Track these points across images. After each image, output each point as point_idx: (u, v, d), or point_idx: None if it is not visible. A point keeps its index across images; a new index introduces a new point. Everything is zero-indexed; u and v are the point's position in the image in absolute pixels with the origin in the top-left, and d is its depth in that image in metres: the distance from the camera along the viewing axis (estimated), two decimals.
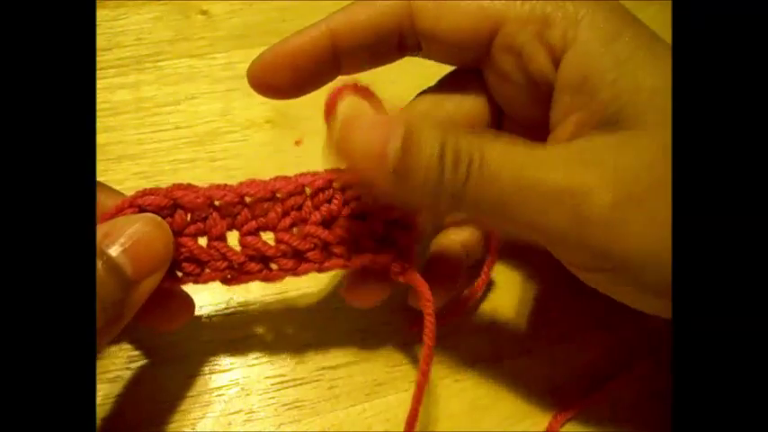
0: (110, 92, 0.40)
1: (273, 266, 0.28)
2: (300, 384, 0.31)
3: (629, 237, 0.24)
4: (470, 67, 0.30)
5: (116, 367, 0.31)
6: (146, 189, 0.26)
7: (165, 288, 0.26)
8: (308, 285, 0.34)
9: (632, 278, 0.25)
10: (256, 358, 0.32)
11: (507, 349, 0.33)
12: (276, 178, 0.27)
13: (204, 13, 0.45)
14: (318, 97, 0.42)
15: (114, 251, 0.24)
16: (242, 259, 0.27)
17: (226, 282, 0.28)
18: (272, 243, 0.27)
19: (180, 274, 0.27)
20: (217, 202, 0.27)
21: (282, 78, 0.29)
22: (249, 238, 0.27)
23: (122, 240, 0.24)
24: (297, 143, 0.40)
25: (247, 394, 0.31)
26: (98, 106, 0.39)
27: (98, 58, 0.41)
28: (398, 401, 0.31)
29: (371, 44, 0.29)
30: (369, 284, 0.30)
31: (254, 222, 0.27)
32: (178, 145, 0.39)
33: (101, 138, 0.38)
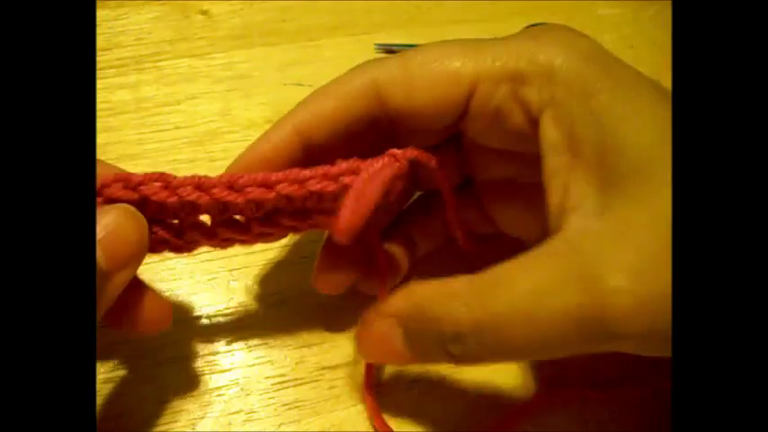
0: (110, 92, 0.40)
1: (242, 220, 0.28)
2: (300, 384, 0.31)
3: (656, 336, 0.22)
4: (442, 138, 0.29)
5: (116, 367, 0.31)
6: (117, 174, 0.25)
7: (141, 290, 0.26)
8: (308, 285, 0.34)
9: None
10: (256, 358, 0.32)
11: None
12: (254, 179, 0.26)
13: (204, 13, 0.45)
14: None
15: None
16: (215, 242, 0.28)
17: (196, 246, 0.28)
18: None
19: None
20: (192, 199, 0.26)
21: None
22: (222, 229, 0.27)
23: (96, 231, 0.23)
24: None
25: (247, 394, 0.31)
26: (98, 106, 0.39)
27: (98, 58, 0.41)
28: (398, 401, 0.31)
29: (341, 134, 0.28)
30: (336, 271, 0.31)
31: (228, 214, 0.27)
32: (178, 145, 0.39)
33: (101, 138, 0.38)
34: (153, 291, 0.27)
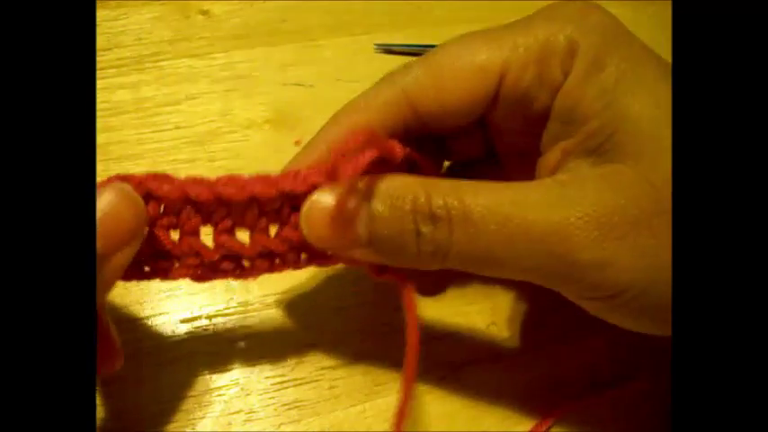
0: (110, 92, 0.40)
1: (247, 265, 0.27)
2: (300, 384, 0.31)
3: (616, 272, 0.24)
4: (471, 125, 0.29)
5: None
6: (118, 175, 0.25)
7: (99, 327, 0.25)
8: (309, 285, 0.34)
9: (625, 308, 0.25)
10: (256, 358, 0.32)
11: (507, 349, 0.33)
12: (256, 178, 0.26)
13: (204, 13, 0.45)
14: (318, 97, 0.42)
15: None
16: (215, 257, 0.26)
17: (196, 278, 0.27)
18: (246, 242, 0.27)
19: (148, 269, 0.26)
20: (192, 196, 0.25)
21: None
22: (224, 237, 0.26)
23: (96, 232, 0.23)
24: (297, 143, 0.40)
25: (247, 394, 0.31)
26: (98, 106, 0.39)
27: (98, 58, 0.41)
28: (398, 401, 0.31)
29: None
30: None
31: (229, 221, 0.26)
32: (178, 145, 0.39)
33: (101, 138, 0.38)
34: (105, 332, 0.26)
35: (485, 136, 0.31)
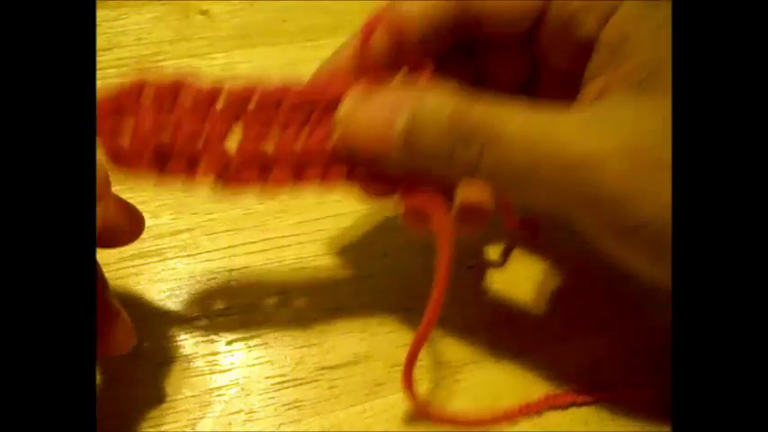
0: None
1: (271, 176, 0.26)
2: (300, 384, 0.31)
3: (643, 204, 0.23)
4: (517, 34, 0.29)
5: (116, 367, 0.31)
6: (142, 77, 0.25)
7: (108, 312, 0.25)
8: (308, 285, 0.34)
9: (644, 246, 0.24)
10: (256, 358, 0.32)
11: (507, 349, 0.33)
12: (285, 86, 0.26)
13: (204, 13, 0.45)
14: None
15: None
16: (239, 161, 0.26)
17: (220, 183, 0.26)
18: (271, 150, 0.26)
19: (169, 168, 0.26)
20: (224, 91, 0.25)
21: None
22: (248, 144, 0.26)
23: (96, 232, 0.23)
24: None
25: (247, 394, 0.31)
26: None
27: (98, 58, 0.41)
28: (398, 401, 0.31)
29: (429, 35, 0.28)
30: None
31: (255, 127, 0.26)
32: None
33: None
34: (122, 312, 0.27)
35: (529, 58, 0.31)
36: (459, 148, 0.24)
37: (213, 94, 0.25)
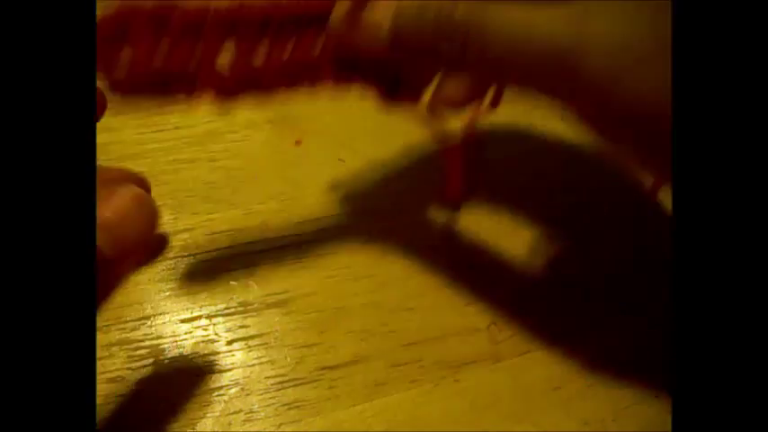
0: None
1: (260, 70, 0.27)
2: (300, 384, 0.31)
3: (624, 96, 0.23)
4: None
5: (116, 367, 0.31)
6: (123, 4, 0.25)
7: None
8: (308, 285, 0.34)
9: (632, 134, 0.25)
10: (256, 358, 0.32)
11: (507, 349, 0.33)
12: (271, 3, 0.27)
13: None
14: (319, 97, 0.42)
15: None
16: (233, 77, 0.27)
17: (218, 100, 0.27)
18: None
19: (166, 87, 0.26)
20: (211, 13, 0.26)
21: None
22: (240, 59, 0.27)
23: (103, 215, 0.23)
24: (297, 143, 0.40)
25: (247, 394, 0.31)
26: None
27: None
28: (398, 401, 0.31)
29: None
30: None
31: (246, 43, 0.27)
32: (178, 145, 0.39)
33: (101, 138, 0.37)
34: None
35: None
36: (444, 45, 0.25)
37: (201, 15, 0.26)
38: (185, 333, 0.32)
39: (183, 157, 0.38)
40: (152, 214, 0.24)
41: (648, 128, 0.24)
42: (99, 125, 0.38)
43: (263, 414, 0.30)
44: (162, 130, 0.39)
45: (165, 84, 0.26)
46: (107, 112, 0.39)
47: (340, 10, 0.27)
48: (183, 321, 0.32)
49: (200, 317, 0.33)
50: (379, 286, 0.35)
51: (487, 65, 0.26)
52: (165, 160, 0.38)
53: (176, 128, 0.39)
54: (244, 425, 0.30)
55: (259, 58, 0.27)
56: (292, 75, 0.28)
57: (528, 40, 0.24)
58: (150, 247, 0.27)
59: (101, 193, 0.23)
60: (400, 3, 0.26)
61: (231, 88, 0.27)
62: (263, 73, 0.27)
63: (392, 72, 0.29)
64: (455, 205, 0.30)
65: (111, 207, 0.23)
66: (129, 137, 0.38)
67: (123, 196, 0.24)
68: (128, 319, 0.32)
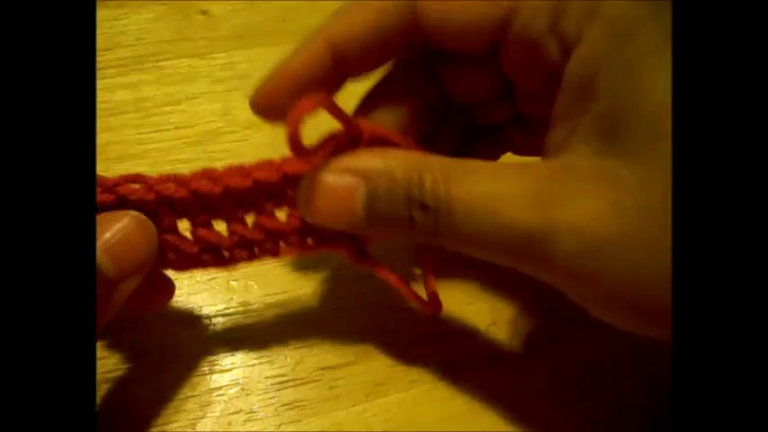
0: (110, 92, 0.40)
1: (226, 255, 0.27)
2: (300, 384, 0.31)
3: (595, 283, 0.23)
4: (480, 53, 0.28)
5: (116, 367, 0.31)
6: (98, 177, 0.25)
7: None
8: (308, 286, 0.34)
9: (613, 312, 0.24)
10: (256, 358, 0.32)
11: (507, 350, 0.33)
12: (230, 171, 0.27)
13: (204, 13, 0.45)
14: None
15: (96, 250, 0.23)
16: (194, 250, 0.27)
17: (177, 269, 0.27)
18: (224, 233, 0.27)
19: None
20: (167, 195, 0.26)
21: (287, 103, 0.25)
22: (201, 231, 0.27)
23: (105, 237, 0.23)
24: None
25: (247, 394, 0.31)
26: (98, 106, 0.39)
27: (98, 58, 0.41)
28: (398, 401, 0.31)
29: (374, 48, 0.28)
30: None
31: (205, 214, 0.27)
32: (178, 145, 0.39)
33: (101, 138, 0.38)
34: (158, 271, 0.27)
35: (500, 75, 0.29)
36: (417, 214, 0.24)
37: (159, 198, 0.26)
38: (185, 333, 0.32)
39: (183, 157, 0.38)
40: (152, 237, 0.25)
41: (632, 309, 0.23)
42: (99, 125, 0.38)
43: (262, 414, 0.30)
44: (162, 130, 0.39)
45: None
46: (107, 112, 0.39)
47: (305, 188, 0.26)
48: (182, 321, 0.32)
49: (200, 317, 0.33)
50: (379, 286, 0.35)
51: (458, 241, 0.24)
52: (165, 160, 0.38)
53: (176, 128, 0.39)
54: (244, 425, 0.30)
55: (220, 229, 0.27)
56: (255, 243, 0.27)
57: (493, 224, 0.23)
58: (156, 289, 0.28)
59: (102, 215, 0.24)
60: (369, 181, 0.25)
61: (192, 257, 0.27)
62: (224, 243, 0.27)
63: (360, 241, 0.28)
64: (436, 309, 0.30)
65: (111, 229, 0.24)
66: (129, 137, 0.38)
67: (123, 218, 0.24)
68: (127, 319, 0.32)
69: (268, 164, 0.27)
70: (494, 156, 0.33)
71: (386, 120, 0.29)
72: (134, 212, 0.25)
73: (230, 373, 0.31)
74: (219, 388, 0.31)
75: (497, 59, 0.28)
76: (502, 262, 0.25)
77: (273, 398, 0.31)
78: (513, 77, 0.28)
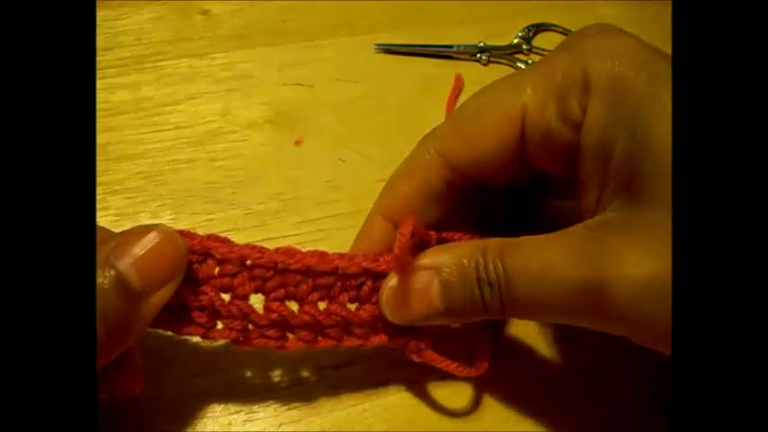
0: (110, 92, 0.40)
1: (291, 336, 0.28)
2: (300, 384, 0.31)
3: (652, 325, 0.23)
4: (511, 166, 0.30)
5: None
6: (182, 231, 0.26)
7: (123, 354, 0.26)
8: None
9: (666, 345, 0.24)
10: (256, 358, 0.32)
11: (507, 350, 0.33)
12: (313, 253, 0.28)
13: (204, 13, 0.45)
14: (318, 97, 0.42)
15: (122, 263, 0.23)
16: (264, 322, 0.27)
17: (236, 343, 0.28)
18: (296, 312, 0.28)
19: (188, 322, 0.27)
20: (249, 262, 0.27)
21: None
22: (275, 304, 0.27)
23: (133, 251, 0.24)
24: (297, 143, 0.40)
25: (247, 394, 0.31)
26: (98, 106, 0.39)
27: (98, 58, 0.41)
28: (398, 401, 0.31)
29: (423, 206, 0.30)
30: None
31: (282, 290, 0.27)
32: (178, 145, 0.39)
33: (101, 138, 0.38)
34: (132, 357, 0.27)
35: (532, 171, 0.31)
36: (487, 293, 0.26)
37: (241, 259, 0.27)
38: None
39: (183, 157, 0.38)
40: (180, 249, 0.25)
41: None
42: (99, 125, 0.38)
43: (262, 414, 0.30)
44: (162, 130, 0.39)
45: (185, 313, 0.27)
46: (107, 112, 0.39)
47: (387, 290, 0.28)
48: None
49: None
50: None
51: (521, 309, 0.26)
52: (165, 160, 0.38)
53: (176, 128, 0.39)
54: (244, 425, 0.30)
55: (292, 308, 0.28)
56: (324, 328, 0.28)
57: (550, 286, 0.25)
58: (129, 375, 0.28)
59: (130, 231, 0.24)
60: (441, 272, 0.27)
61: (255, 331, 0.28)
62: (295, 319, 0.28)
63: (423, 337, 0.30)
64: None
65: (140, 244, 0.24)
66: (129, 137, 0.38)
67: (153, 234, 0.24)
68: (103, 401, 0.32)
69: (350, 257, 0.28)
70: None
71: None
72: (162, 226, 0.25)
73: (230, 373, 0.31)
74: (219, 388, 0.31)
75: (524, 160, 0.30)
76: (564, 321, 0.26)
77: (273, 398, 0.31)
78: (539, 167, 0.30)
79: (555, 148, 0.28)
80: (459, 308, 0.27)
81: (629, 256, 0.23)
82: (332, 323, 0.28)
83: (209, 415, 0.30)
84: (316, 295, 0.28)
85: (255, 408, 0.31)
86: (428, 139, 0.30)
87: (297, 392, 0.31)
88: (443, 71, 0.45)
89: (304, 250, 0.28)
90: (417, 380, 0.32)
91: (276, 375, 0.31)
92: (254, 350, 0.32)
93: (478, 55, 0.46)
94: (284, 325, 0.28)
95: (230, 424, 0.30)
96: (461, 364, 0.30)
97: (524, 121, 0.28)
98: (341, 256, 0.28)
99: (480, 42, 0.47)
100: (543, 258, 0.25)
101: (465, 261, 0.27)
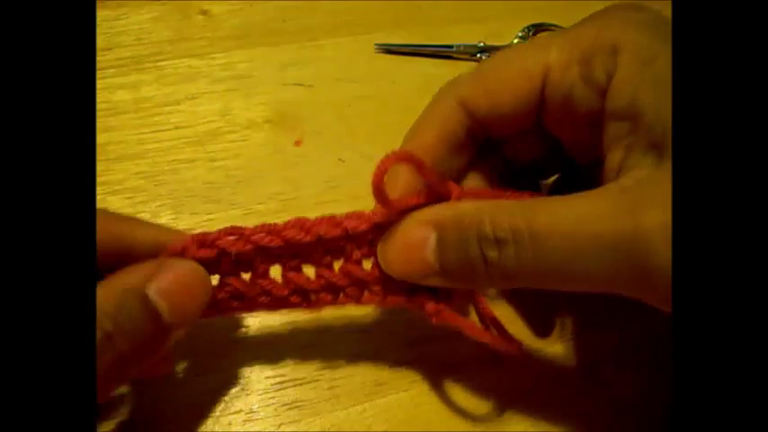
0: (110, 92, 0.40)
1: (313, 298, 0.29)
2: (300, 384, 0.31)
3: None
4: (528, 122, 0.30)
5: None
6: (193, 236, 0.27)
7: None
8: None
9: None
10: (256, 358, 0.32)
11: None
12: (321, 220, 0.28)
13: (204, 13, 0.45)
14: (318, 97, 0.42)
15: (154, 293, 0.24)
16: (284, 293, 0.28)
17: (268, 309, 0.29)
18: (312, 277, 0.28)
19: (223, 308, 0.28)
20: (263, 245, 0.27)
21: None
22: (291, 274, 0.28)
23: (165, 284, 0.24)
24: (297, 143, 0.40)
25: (247, 394, 0.31)
26: (98, 106, 0.39)
27: (98, 58, 0.41)
28: (398, 401, 0.31)
29: (446, 155, 0.30)
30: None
31: (296, 260, 0.28)
32: (178, 145, 0.39)
33: (101, 138, 0.38)
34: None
35: (549, 138, 0.31)
36: (494, 255, 0.25)
37: (255, 249, 0.27)
38: (185, 333, 0.32)
39: (183, 157, 0.38)
40: (207, 289, 0.26)
41: None
42: (99, 125, 0.38)
43: (262, 414, 0.30)
44: (162, 130, 0.39)
45: (217, 303, 0.28)
46: (107, 112, 0.39)
47: (383, 241, 0.28)
48: None
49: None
50: None
51: (544, 272, 0.25)
52: (165, 160, 0.38)
53: (176, 128, 0.39)
54: (244, 425, 0.30)
55: (308, 272, 0.29)
56: (340, 289, 0.29)
57: (587, 239, 0.23)
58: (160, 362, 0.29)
59: (165, 263, 0.25)
60: (440, 229, 0.26)
61: (282, 299, 0.28)
62: (311, 286, 0.28)
63: (441, 298, 0.29)
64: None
65: (170, 278, 0.25)
66: (129, 137, 0.38)
67: (183, 269, 0.25)
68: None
69: (358, 215, 0.28)
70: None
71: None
72: (195, 265, 0.26)
73: (230, 373, 0.31)
74: (219, 388, 0.31)
75: (542, 125, 0.30)
76: (592, 285, 0.25)
77: (273, 398, 0.31)
78: (557, 134, 0.30)
79: (576, 110, 0.28)
80: (455, 270, 0.26)
81: (666, 206, 0.22)
82: (347, 282, 0.29)
83: (209, 415, 0.30)
84: (329, 258, 0.28)
85: (255, 408, 0.31)
86: (450, 86, 0.30)
87: (297, 392, 0.31)
88: (443, 71, 0.45)
89: (312, 219, 0.28)
90: (417, 380, 0.32)
91: (276, 375, 0.31)
92: (254, 350, 0.32)
93: (478, 55, 0.46)
94: (305, 291, 0.28)
95: (230, 424, 0.30)
96: (484, 328, 0.30)
97: (546, 79, 0.28)
98: (349, 215, 0.28)
99: (480, 42, 0.47)
100: (575, 213, 0.24)
101: (466, 220, 0.26)
